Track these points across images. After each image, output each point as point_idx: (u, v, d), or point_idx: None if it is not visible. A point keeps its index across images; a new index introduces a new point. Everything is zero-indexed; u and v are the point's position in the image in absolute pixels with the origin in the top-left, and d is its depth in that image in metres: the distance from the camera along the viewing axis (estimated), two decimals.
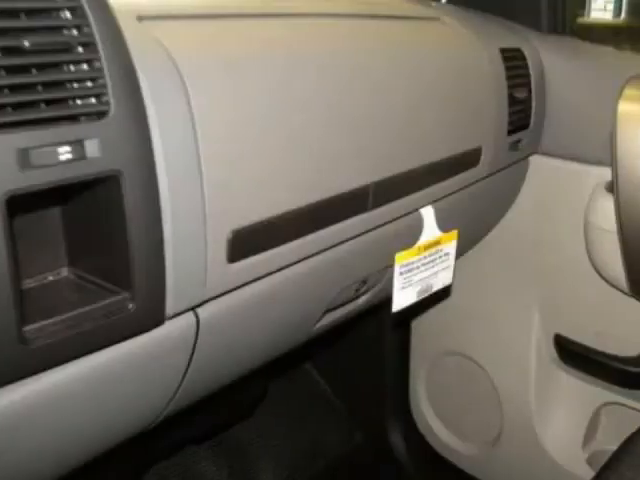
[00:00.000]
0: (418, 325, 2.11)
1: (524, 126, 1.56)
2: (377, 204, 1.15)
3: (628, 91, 1.39)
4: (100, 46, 0.71)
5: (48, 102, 0.68)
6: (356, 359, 2.26)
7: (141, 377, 0.91)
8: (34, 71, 0.68)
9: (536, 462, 1.91)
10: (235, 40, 0.93)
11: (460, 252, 1.60)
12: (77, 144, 0.69)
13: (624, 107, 1.38)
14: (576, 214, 1.62)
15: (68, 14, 0.70)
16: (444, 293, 1.82)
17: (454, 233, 1.37)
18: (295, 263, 1.05)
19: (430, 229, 1.32)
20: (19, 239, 0.76)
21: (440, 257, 1.35)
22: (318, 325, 1.31)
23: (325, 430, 2.26)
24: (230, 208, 0.88)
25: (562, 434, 1.88)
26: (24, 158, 0.65)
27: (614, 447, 1.33)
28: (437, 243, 1.33)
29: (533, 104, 1.58)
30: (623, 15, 3.54)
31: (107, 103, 0.71)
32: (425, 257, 1.31)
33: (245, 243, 0.92)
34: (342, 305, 1.36)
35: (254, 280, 0.99)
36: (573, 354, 1.78)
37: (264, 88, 0.92)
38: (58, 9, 0.70)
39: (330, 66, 1.03)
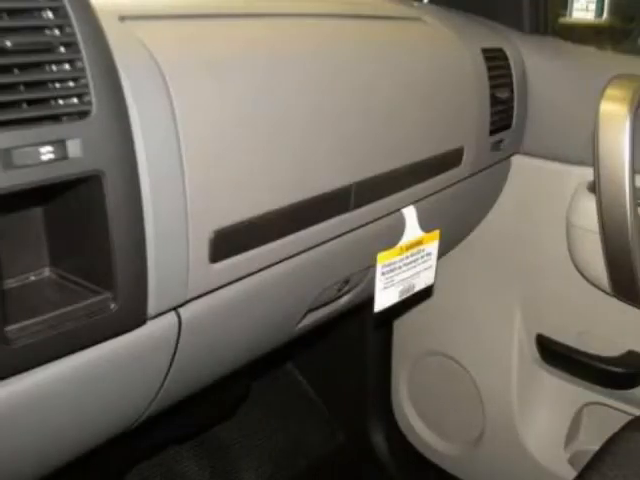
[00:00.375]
0: (400, 325, 2.11)
1: (506, 126, 1.57)
2: (359, 204, 1.16)
3: (610, 91, 1.40)
4: (82, 46, 0.71)
5: (30, 102, 0.68)
6: (338, 359, 2.26)
7: (123, 377, 0.91)
8: (16, 71, 0.68)
9: (518, 462, 1.92)
10: (217, 40, 0.93)
11: (442, 252, 1.61)
12: (59, 144, 0.69)
13: (606, 107, 1.38)
14: (558, 214, 1.63)
15: (50, 14, 0.70)
16: (426, 293, 1.83)
17: (436, 233, 1.37)
18: (277, 263, 1.05)
19: (412, 229, 1.32)
20: (1, 239, 0.76)
21: (422, 257, 1.36)
22: (300, 325, 1.31)
23: (307, 430, 2.27)
24: (212, 208, 0.88)
25: (544, 434, 1.90)
26: (6, 158, 0.65)
27: (596, 447, 1.33)
28: (419, 243, 1.34)
29: (515, 104, 1.58)
30: (605, 15, 3.55)
31: (89, 103, 0.72)
32: (407, 257, 1.31)
33: (227, 243, 0.92)
34: (324, 305, 1.37)
35: (236, 280, 0.99)
36: (555, 354, 1.80)
37: (246, 88, 0.92)
38: (40, 9, 0.70)
39: (312, 66, 1.03)
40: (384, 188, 1.22)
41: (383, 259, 1.26)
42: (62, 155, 0.70)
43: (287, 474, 2.13)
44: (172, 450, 2.03)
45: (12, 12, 0.68)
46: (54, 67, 0.70)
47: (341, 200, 1.11)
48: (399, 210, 1.30)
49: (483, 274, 1.87)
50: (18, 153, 0.66)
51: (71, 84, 0.71)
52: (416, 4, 1.63)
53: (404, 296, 1.36)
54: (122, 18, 0.83)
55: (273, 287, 1.10)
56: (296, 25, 1.10)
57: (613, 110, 1.37)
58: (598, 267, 1.55)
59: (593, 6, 3.56)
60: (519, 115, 1.60)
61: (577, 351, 1.74)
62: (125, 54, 0.77)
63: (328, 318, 1.43)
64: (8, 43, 0.67)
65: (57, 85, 0.70)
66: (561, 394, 1.87)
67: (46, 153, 0.68)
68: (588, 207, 1.52)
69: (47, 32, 0.70)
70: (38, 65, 0.70)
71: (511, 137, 1.60)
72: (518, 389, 1.88)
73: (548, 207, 1.68)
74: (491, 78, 1.47)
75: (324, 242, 1.14)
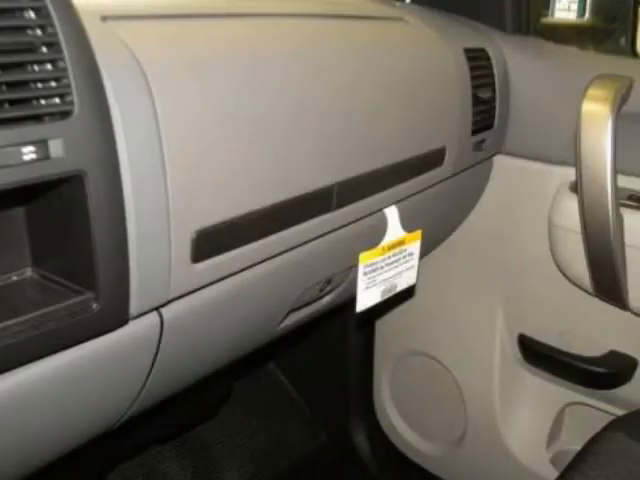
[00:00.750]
0: (382, 325, 2.12)
1: (488, 126, 1.57)
2: (341, 204, 1.16)
3: (592, 91, 1.41)
4: (64, 46, 0.71)
5: (12, 102, 0.69)
6: (320, 359, 2.27)
7: (105, 377, 0.92)
8: None
9: (500, 462, 1.93)
10: (199, 40, 0.93)
11: (424, 252, 1.62)
12: (41, 144, 0.69)
13: (588, 107, 1.39)
14: (540, 214, 1.64)
15: (32, 14, 0.70)
16: (408, 293, 1.83)
17: (418, 233, 1.38)
18: (259, 263, 1.06)
19: (394, 229, 1.33)
20: None
21: (404, 257, 1.36)
22: (282, 325, 1.32)
23: (289, 430, 2.27)
24: (194, 208, 0.89)
25: (526, 434, 1.90)
26: None
27: (578, 447, 1.34)
28: (401, 243, 1.34)
29: (497, 104, 1.59)
30: (587, 15, 3.56)
31: (71, 103, 0.72)
32: (389, 257, 1.32)
33: (209, 243, 0.92)
34: (306, 305, 1.37)
35: (218, 280, 0.99)
36: (537, 354, 1.81)
37: (228, 88, 0.92)
38: (22, 9, 0.70)
39: (294, 66, 1.04)
40: (366, 188, 1.22)
41: (365, 259, 1.26)
42: (44, 155, 0.70)
43: (269, 474, 2.14)
44: (154, 450, 2.03)
45: None
46: (36, 67, 0.71)
47: (323, 200, 1.12)
48: (381, 210, 1.31)
49: (465, 274, 1.87)
50: (0, 153, 0.66)
51: (53, 84, 0.71)
52: (398, 4, 1.64)
53: (386, 296, 1.36)
54: (104, 18, 0.83)
55: (255, 287, 1.10)
56: (278, 25, 1.10)
57: (595, 110, 1.38)
58: (580, 267, 1.56)
59: (575, 6, 3.57)
60: (501, 115, 1.61)
61: (559, 351, 1.75)
62: (107, 54, 0.78)
63: (310, 318, 1.43)
64: None
65: (39, 85, 0.71)
66: (543, 394, 1.88)
67: (28, 153, 0.68)
68: (570, 207, 1.52)
69: (29, 32, 0.70)
70: (20, 65, 0.70)
71: (493, 137, 1.61)
72: (500, 389, 1.89)
73: (530, 207, 1.68)
74: (473, 78, 1.48)
75: (306, 242, 1.15)
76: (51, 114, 0.71)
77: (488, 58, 1.57)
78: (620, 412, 1.66)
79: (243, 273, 1.04)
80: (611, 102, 1.38)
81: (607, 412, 1.77)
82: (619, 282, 1.50)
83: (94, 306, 0.80)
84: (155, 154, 0.82)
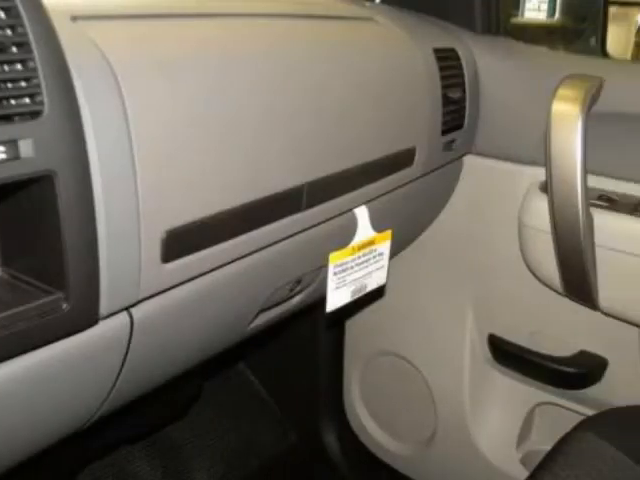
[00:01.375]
0: (352, 325, 2.12)
1: (458, 126, 1.58)
2: (311, 204, 1.17)
3: (562, 91, 1.42)
4: (34, 46, 0.72)
5: None
6: (290, 359, 2.27)
7: (75, 377, 0.92)
8: None
9: (470, 462, 1.94)
10: (169, 40, 0.94)
11: (394, 252, 1.62)
12: (11, 144, 0.70)
13: (558, 107, 1.40)
14: (510, 214, 1.64)
15: (2, 14, 0.70)
16: (378, 293, 1.83)
17: (388, 233, 1.39)
18: (229, 263, 1.06)
19: (364, 229, 1.34)
20: None
21: (374, 257, 1.37)
22: (252, 325, 1.32)
23: (259, 430, 2.27)
24: (164, 208, 0.89)
25: (496, 434, 1.92)
26: None
27: (548, 447, 1.34)
28: (371, 243, 1.35)
29: (467, 104, 1.59)
30: (557, 15, 3.57)
31: (41, 103, 0.72)
32: (359, 257, 1.33)
33: (179, 243, 0.93)
34: (276, 305, 1.37)
35: (188, 280, 1.00)
36: (507, 354, 1.82)
37: (198, 88, 0.93)
38: None
39: (264, 66, 1.04)
40: (336, 188, 1.23)
41: (335, 259, 1.27)
42: (14, 155, 0.70)
43: (239, 474, 2.14)
44: (124, 450, 2.03)
45: None
46: (6, 67, 0.71)
47: (293, 200, 1.12)
48: (351, 210, 1.31)
49: (435, 274, 1.88)
50: None
51: (23, 84, 0.71)
52: (368, 4, 1.64)
53: (356, 296, 1.37)
54: (74, 18, 0.84)
55: (225, 287, 1.11)
56: (248, 25, 1.10)
57: (565, 110, 1.39)
58: (550, 267, 1.57)
59: (545, 6, 3.57)
60: (471, 115, 1.62)
61: (529, 351, 1.76)
62: (77, 54, 0.78)
63: (280, 318, 1.43)
64: None
65: (9, 85, 0.71)
66: (513, 394, 1.89)
67: None
68: (540, 207, 1.53)
69: None
70: None
71: (463, 137, 1.62)
72: (470, 389, 1.90)
73: (500, 207, 1.69)
74: (443, 78, 1.48)
75: (276, 242, 1.15)
76: (21, 114, 0.71)
77: (458, 58, 1.57)
78: (590, 412, 1.67)
79: (213, 273, 1.04)
80: (581, 102, 1.38)
81: (577, 412, 1.78)
82: (589, 282, 1.50)
83: (64, 306, 0.80)
84: (125, 154, 0.82)
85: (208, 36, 1.00)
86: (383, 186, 1.37)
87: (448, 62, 1.52)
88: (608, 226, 1.48)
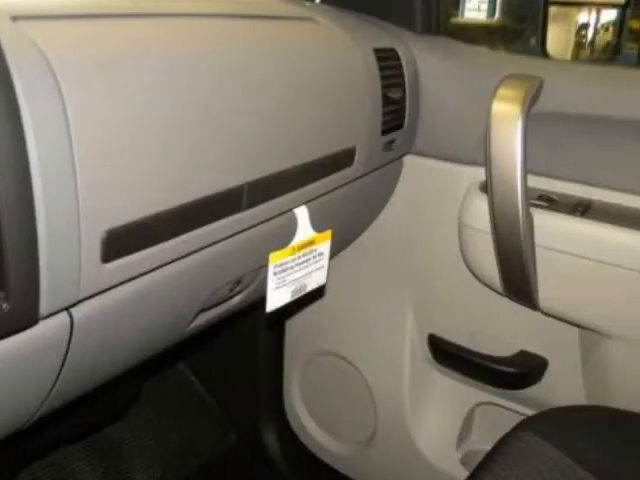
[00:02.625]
0: (292, 325, 2.13)
1: (398, 126, 1.59)
2: (251, 204, 1.17)
3: (502, 91, 1.44)
4: None
5: None
6: (230, 359, 2.27)
7: (14, 377, 0.92)
8: None
9: (410, 462, 1.95)
10: (110, 40, 0.94)
11: (334, 252, 1.62)
12: None
13: (498, 107, 1.41)
14: (450, 214, 1.66)
15: None
16: (318, 293, 1.86)
17: (328, 233, 1.40)
18: (169, 263, 1.07)
19: (304, 229, 1.35)
20: None
21: (314, 257, 1.39)
22: (192, 325, 1.33)
23: (199, 430, 2.28)
24: (104, 208, 0.90)
25: (436, 434, 1.94)
26: None
27: (488, 447, 1.35)
28: (311, 243, 1.36)
29: (407, 104, 1.60)
30: (497, 15, 3.61)
31: None
32: (299, 257, 1.34)
33: (119, 243, 0.93)
34: (216, 305, 1.38)
35: (128, 280, 1.00)
36: (447, 354, 1.84)
37: (137, 88, 0.93)
38: None
39: (203, 66, 1.05)
40: (276, 188, 1.23)
41: (275, 259, 1.28)
42: None
43: (179, 474, 2.14)
44: (64, 450, 2.02)
45: None
46: None
47: (233, 200, 1.13)
48: (291, 210, 1.32)
49: (375, 274, 1.89)
50: None
51: None
52: (308, 4, 1.65)
53: (296, 296, 1.38)
54: (14, 18, 0.84)
55: (165, 287, 1.11)
56: (187, 25, 1.11)
57: (505, 110, 1.40)
58: (490, 267, 1.59)
59: (485, 6, 3.61)
60: (411, 115, 1.63)
61: (469, 351, 1.79)
62: (17, 54, 0.78)
63: (220, 318, 1.44)
64: None
65: None
66: (453, 394, 1.92)
67: None
68: (480, 207, 1.55)
69: None
70: None
71: (403, 137, 1.63)
72: (410, 389, 1.91)
73: (440, 207, 1.71)
74: (383, 78, 1.49)
75: (216, 242, 1.16)
76: None
77: (398, 58, 1.58)
78: (530, 412, 1.69)
79: (153, 273, 1.05)
80: (521, 102, 1.40)
81: (517, 412, 1.81)
82: (529, 282, 1.52)
83: (4, 306, 0.81)
84: (65, 154, 0.82)
85: (148, 36, 1.01)
86: (323, 186, 1.38)
87: (388, 62, 1.53)
88: (548, 226, 1.50)
